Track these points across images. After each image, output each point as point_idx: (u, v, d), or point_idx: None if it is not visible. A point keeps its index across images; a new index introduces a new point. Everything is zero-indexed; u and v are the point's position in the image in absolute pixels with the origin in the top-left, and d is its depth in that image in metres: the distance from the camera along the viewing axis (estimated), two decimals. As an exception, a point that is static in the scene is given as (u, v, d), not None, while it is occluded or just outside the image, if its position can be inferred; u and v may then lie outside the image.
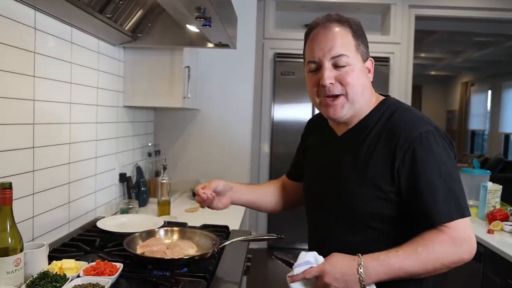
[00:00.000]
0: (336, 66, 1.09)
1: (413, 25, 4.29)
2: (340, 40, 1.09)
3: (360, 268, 0.99)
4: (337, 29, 1.10)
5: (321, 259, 1.05)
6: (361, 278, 0.99)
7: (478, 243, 1.96)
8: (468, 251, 1.01)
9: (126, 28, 1.94)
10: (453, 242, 0.99)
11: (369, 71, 1.16)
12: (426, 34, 5.80)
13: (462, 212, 1.02)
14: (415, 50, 4.38)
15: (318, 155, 1.29)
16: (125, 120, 2.39)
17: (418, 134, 1.05)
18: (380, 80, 4.21)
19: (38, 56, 1.47)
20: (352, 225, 1.13)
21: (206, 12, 1.54)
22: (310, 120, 1.43)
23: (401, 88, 4.30)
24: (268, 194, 1.49)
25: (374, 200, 1.08)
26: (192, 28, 1.88)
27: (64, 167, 1.69)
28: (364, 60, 1.14)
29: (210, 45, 2.20)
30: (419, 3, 4.26)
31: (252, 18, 3.08)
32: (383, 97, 1.20)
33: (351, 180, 1.12)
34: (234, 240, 1.54)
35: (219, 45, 2.19)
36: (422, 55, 7.55)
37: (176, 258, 1.36)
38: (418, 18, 4.33)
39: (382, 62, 4.20)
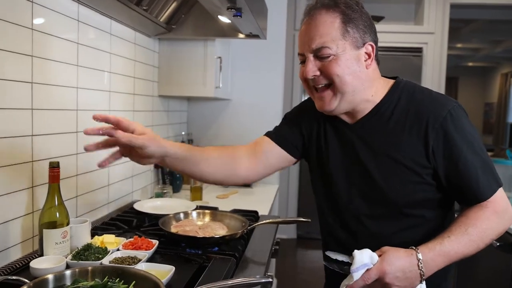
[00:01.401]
0: (318, 57, 1.05)
1: (448, 14, 4.18)
2: (322, 30, 1.03)
3: (420, 263, 0.96)
4: (321, 17, 1.04)
5: (376, 257, 0.96)
6: (421, 273, 0.96)
7: (509, 233, 1.96)
8: (509, 219, 1.05)
9: (161, 20, 2.02)
10: (497, 215, 1.02)
11: (369, 57, 1.07)
12: (463, 23, 5.62)
13: (498, 182, 1.05)
14: (451, 41, 4.28)
15: (330, 144, 1.20)
16: (160, 109, 2.49)
17: (447, 112, 1.03)
18: (413, 72, 4.15)
19: (81, 47, 1.57)
20: (386, 215, 1.10)
21: (237, 3, 1.59)
22: (306, 102, 1.30)
23: (434, 80, 4.22)
24: (237, 155, 1.26)
25: (409, 185, 1.06)
26: (224, 19, 1.95)
27: (103, 152, 1.79)
28: (358, 47, 1.05)
29: (241, 35, 2.26)
30: (455, -9, 4.15)
31: (283, 10, 3.11)
32: (392, 80, 1.16)
33: (380, 168, 1.09)
34: (262, 222, 1.61)
35: (250, 35, 2.24)
36: (459, 45, 7.32)
37: (208, 236, 1.44)
38: (454, 7, 4.21)
39: (414, 53, 4.13)
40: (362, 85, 1.08)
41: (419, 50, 4.16)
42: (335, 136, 1.19)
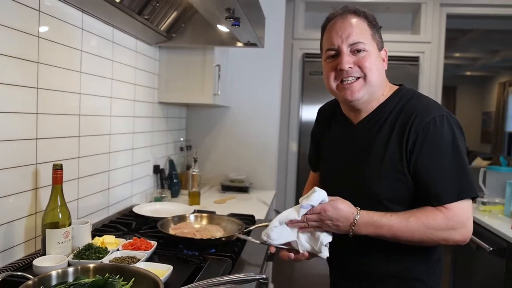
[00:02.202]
0: (354, 52, 1.17)
1: (444, 23, 4.24)
2: (357, 29, 1.17)
3: (355, 221, 1.11)
4: (354, 19, 1.19)
5: (326, 200, 1.13)
6: (352, 229, 1.12)
7: (502, 238, 1.99)
8: (461, 234, 1.10)
9: (161, 29, 2.08)
10: (447, 222, 1.08)
11: (384, 60, 1.24)
12: (460, 33, 5.69)
13: (467, 194, 1.10)
14: (448, 50, 4.33)
15: (336, 145, 1.33)
16: (160, 116, 2.54)
17: (432, 118, 1.11)
18: (410, 80, 4.19)
19: (84, 54, 1.62)
20: (373, 207, 1.16)
21: (235, 12, 1.65)
22: (321, 110, 1.48)
23: (431, 88, 4.27)
24: None
25: (393, 182, 1.14)
26: (223, 28, 2.00)
27: (104, 156, 1.85)
28: (380, 49, 1.22)
29: (239, 44, 2.32)
30: (451, 2, 4.21)
31: (280, 19, 3.18)
32: (397, 87, 1.27)
33: (371, 165, 1.18)
34: (258, 225, 1.64)
35: (248, 44, 2.30)
36: (457, 55, 7.39)
37: (205, 238, 1.48)
38: (450, 17, 4.28)
39: (411, 62, 4.18)
40: (382, 82, 1.22)
41: (415, 59, 4.22)
42: (339, 136, 1.32)
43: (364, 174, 1.19)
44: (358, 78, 1.18)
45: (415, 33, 4.38)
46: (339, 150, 1.31)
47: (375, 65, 1.18)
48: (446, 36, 4.30)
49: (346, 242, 1.17)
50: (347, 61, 1.17)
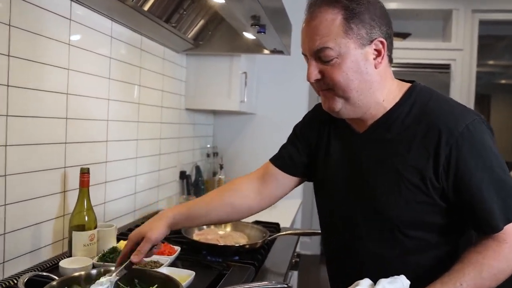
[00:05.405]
0: (321, 60, 0.96)
1: (477, 30, 4.13)
2: (323, 30, 0.93)
3: None
4: (321, 15, 0.94)
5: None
6: None
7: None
8: None
9: (189, 36, 2.11)
10: None
11: (379, 54, 0.96)
12: (494, 40, 5.52)
13: None
14: (481, 57, 4.20)
15: (336, 158, 1.09)
16: (187, 122, 2.56)
17: (465, 126, 0.91)
18: (441, 89, 4.08)
19: (113, 61, 1.66)
20: (387, 235, 0.98)
21: (261, 20, 1.66)
22: (315, 110, 1.22)
23: (463, 97, 4.15)
24: (239, 195, 1.22)
25: (414, 205, 0.94)
26: (249, 36, 2.01)
27: (131, 161, 1.88)
28: (364, 44, 0.93)
29: (265, 51, 2.32)
30: (484, 7, 4.09)
31: (308, 26, 3.16)
32: (408, 84, 1.04)
33: (384, 182, 0.97)
34: (282, 233, 1.63)
35: (274, 51, 2.30)
36: (490, 62, 7.17)
37: (229, 245, 1.47)
38: (483, 23, 4.16)
39: (442, 70, 4.09)
40: (370, 88, 0.96)
41: (447, 66, 4.12)
42: (340, 145, 1.09)
43: (374, 194, 0.98)
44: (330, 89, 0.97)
45: (446, 40, 4.27)
46: (341, 165, 1.07)
47: (351, 74, 0.93)
48: (479, 43, 4.18)
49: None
50: (312, 72, 0.97)
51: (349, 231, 1.05)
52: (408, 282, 0.86)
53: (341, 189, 1.06)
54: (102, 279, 0.91)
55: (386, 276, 0.86)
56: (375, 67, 0.96)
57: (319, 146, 1.14)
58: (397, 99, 1.00)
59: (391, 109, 1.00)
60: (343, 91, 0.96)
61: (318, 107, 1.17)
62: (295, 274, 2.52)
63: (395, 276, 0.86)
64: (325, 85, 0.98)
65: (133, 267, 1.00)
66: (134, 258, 0.99)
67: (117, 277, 0.94)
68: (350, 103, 0.97)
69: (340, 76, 0.94)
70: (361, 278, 0.89)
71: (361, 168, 1.02)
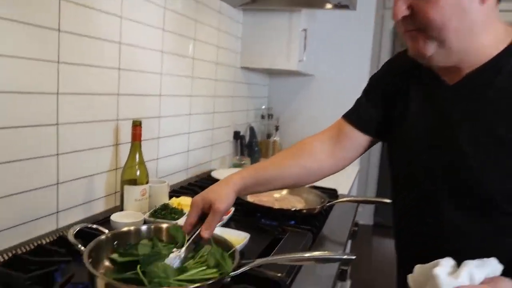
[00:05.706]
0: None
1: None
2: None
3: None
4: None
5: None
6: None
7: None
8: None
9: (247, -12, 1.97)
10: None
11: None
12: None
13: None
14: None
15: (418, 116, 0.92)
16: (242, 81, 2.46)
17: None
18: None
19: (167, 12, 1.57)
20: (480, 211, 0.81)
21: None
22: (395, 59, 1.04)
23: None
24: (312, 158, 1.08)
25: None
26: (312, -15, 1.84)
27: (185, 117, 1.81)
28: None
29: (328, 6, 2.13)
30: None
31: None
32: None
33: (480, 150, 0.80)
34: (342, 200, 1.52)
35: (338, 6, 2.11)
36: None
37: (285, 208, 1.38)
38: None
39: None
40: (471, 30, 0.78)
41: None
42: (422, 97, 0.91)
43: (467, 162, 0.81)
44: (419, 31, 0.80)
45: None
46: (423, 124, 0.89)
47: (449, 10, 0.75)
48: None
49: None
50: (399, 8, 0.78)
51: (431, 181, 0.87)
52: (500, 267, 0.71)
53: (421, 138, 0.89)
54: (171, 255, 0.83)
55: (472, 257, 0.71)
56: (482, 2, 0.76)
57: (398, 99, 0.97)
58: (504, 45, 0.80)
59: (495, 56, 0.80)
60: (438, 32, 0.77)
61: (400, 54, 1.00)
62: (348, 243, 2.42)
63: (484, 259, 0.71)
64: (415, 24, 0.79)
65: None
66: (205, 234, 0.87)
67: (185, 254, 0.84)
68: (445, 47, 0.79)
69: (436, 13, 0.75)
70: (439, 248, 0.77)
71: (452, 131, 0.84)
